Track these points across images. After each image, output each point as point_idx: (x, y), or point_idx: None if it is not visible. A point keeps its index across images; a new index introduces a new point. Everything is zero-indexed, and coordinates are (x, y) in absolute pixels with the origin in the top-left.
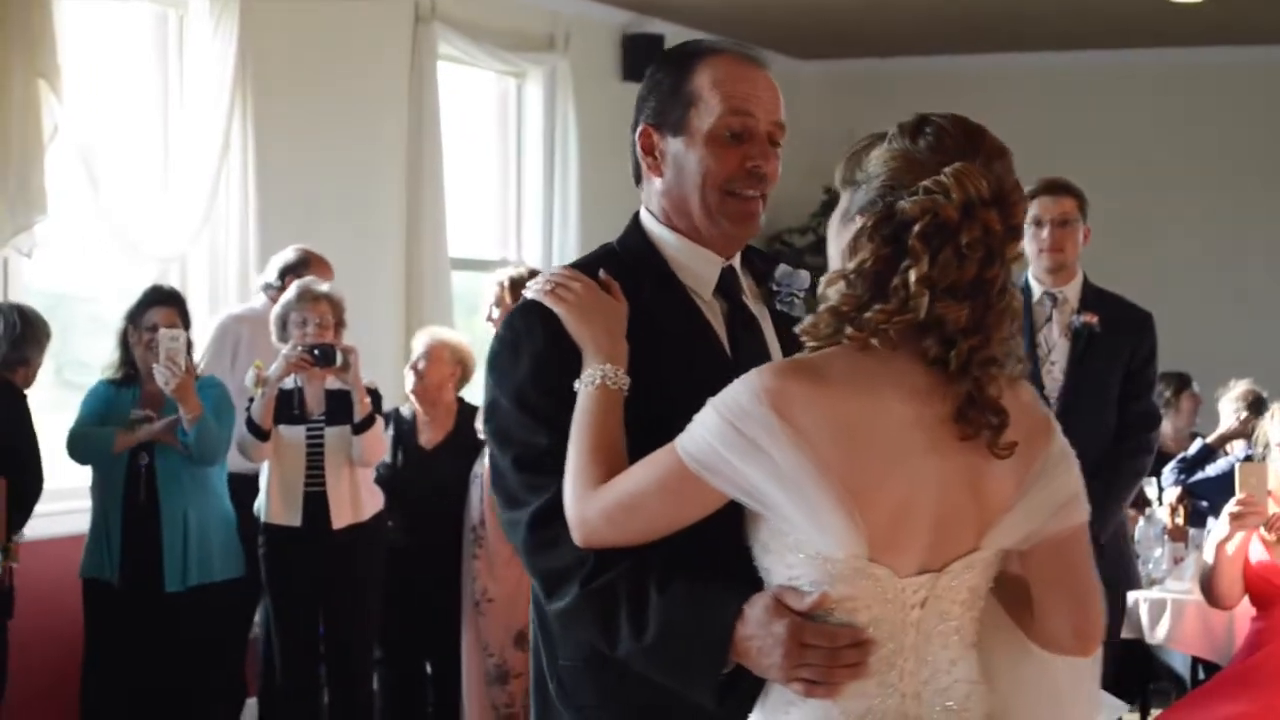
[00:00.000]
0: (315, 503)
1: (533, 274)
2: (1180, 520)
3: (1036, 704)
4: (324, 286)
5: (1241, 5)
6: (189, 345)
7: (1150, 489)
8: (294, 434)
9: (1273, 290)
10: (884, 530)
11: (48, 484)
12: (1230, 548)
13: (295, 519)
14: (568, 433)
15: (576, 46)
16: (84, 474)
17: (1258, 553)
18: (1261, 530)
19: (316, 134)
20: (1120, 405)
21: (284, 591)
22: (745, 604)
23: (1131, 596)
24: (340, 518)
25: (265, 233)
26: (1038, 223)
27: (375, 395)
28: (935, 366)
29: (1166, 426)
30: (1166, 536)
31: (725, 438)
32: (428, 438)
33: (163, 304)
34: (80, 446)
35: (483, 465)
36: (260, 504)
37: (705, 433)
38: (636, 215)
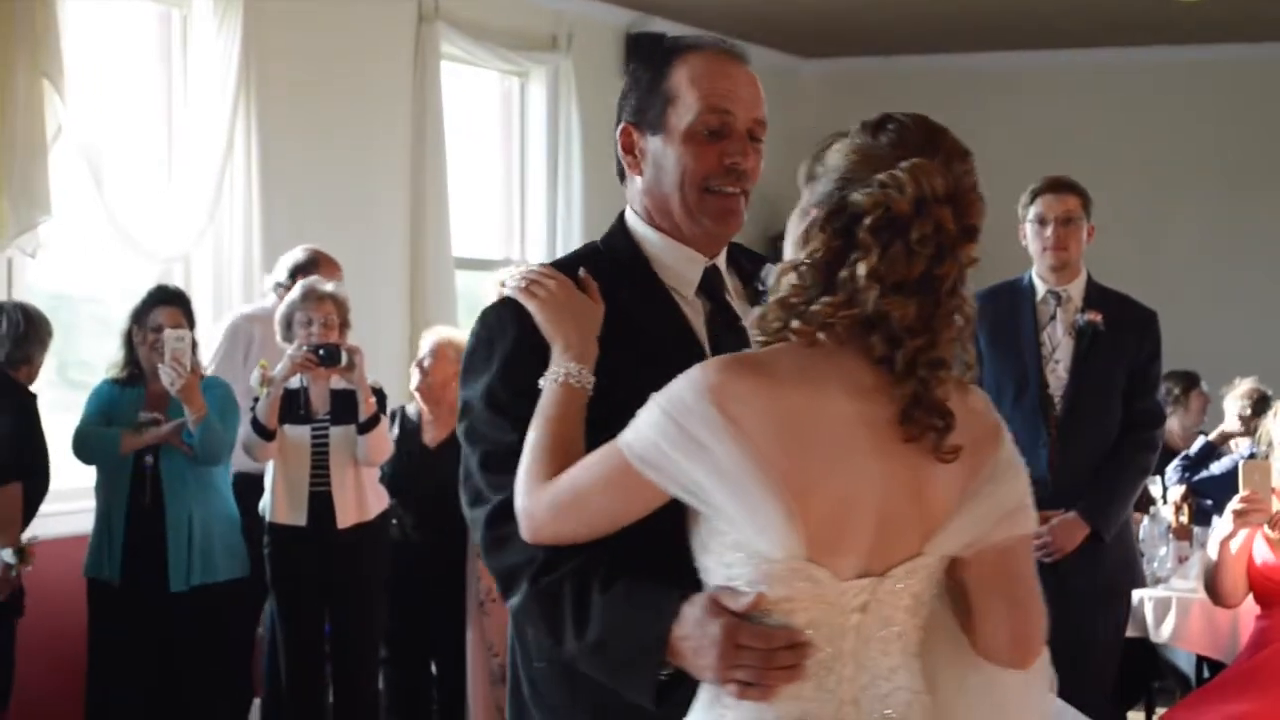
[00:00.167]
0: (320, 502)
1: None
2: (1185, 519)
3: (980, 717)
4: (328, 286)
5: (1246, 2)
6: (194, 345)
7: (1155, 488)
8: (299, 434)
9: (1278, 288)
10: (824, 531)
11: (53, 484)
12: (1234, 546)
13: (300, 519)
14: None
15: (580, 46)
16: (89, 474)
17: (1261, 551)
18: (1265, 528)
19: (320, 133)
20: (1124, 403)
21: (289, 591)
22: (684, 604)
23: (1136, 595)
24: (345, 517)
25: (269, 232)
26: (1041, 221)
27: (380, 395)
28: (882, 366)
29: (1175, 424)
30: (1171, 535)
31: (667, 433)
32: (432, 436)
33: (167, 304)
34: (86, 447)
35: None
36: (265, 504)
37: (648, 428)
38: (622, 214)
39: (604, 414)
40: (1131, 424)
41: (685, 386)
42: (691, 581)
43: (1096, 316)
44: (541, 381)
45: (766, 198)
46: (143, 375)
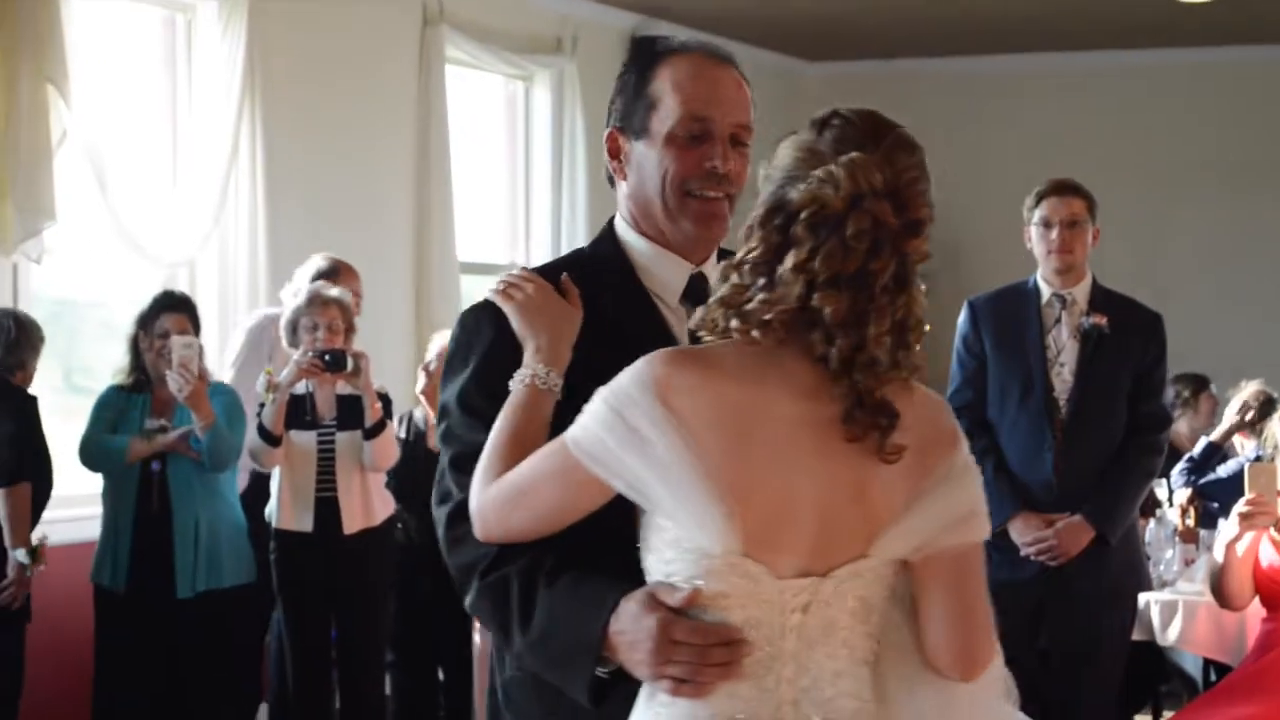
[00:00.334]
0: (327, 508)
1: None
2: (1191, 522)
3: None
4: (334, 291)
5: (1251, 5)
6: (201, 351)
7: (1160, 490)
8: (305, 439)
9: None
10: (762, 527)
11: (60, 490)
12: (1240, 548)
13: (307, 524)
14: None
15: (584, 49)
16: (95, 480)
17: (1268, 554)
18: (1271, 531)
19: (325, 137)
20: (1130, 406)
21: (296, 596)
22: (623, 599)
23: (1143, 598)
24: (352, 523)
25: (274, 237)
26: (1046, 224)
27: (386, 400)
28: (822, 365)
29: (1184, 427)
30: (1177, 538)
31: (610, 426)
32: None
33: (174, 310)
34: (93, 455)
35: None
36: (271, 509)
37: (592, 421)
38: (611, 220)
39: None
40: (1137, 427)
41: (629, 379)
42: (636, 578)
43: (1102, 319)
44: (511, 383)
45: None
46: (149, 381)
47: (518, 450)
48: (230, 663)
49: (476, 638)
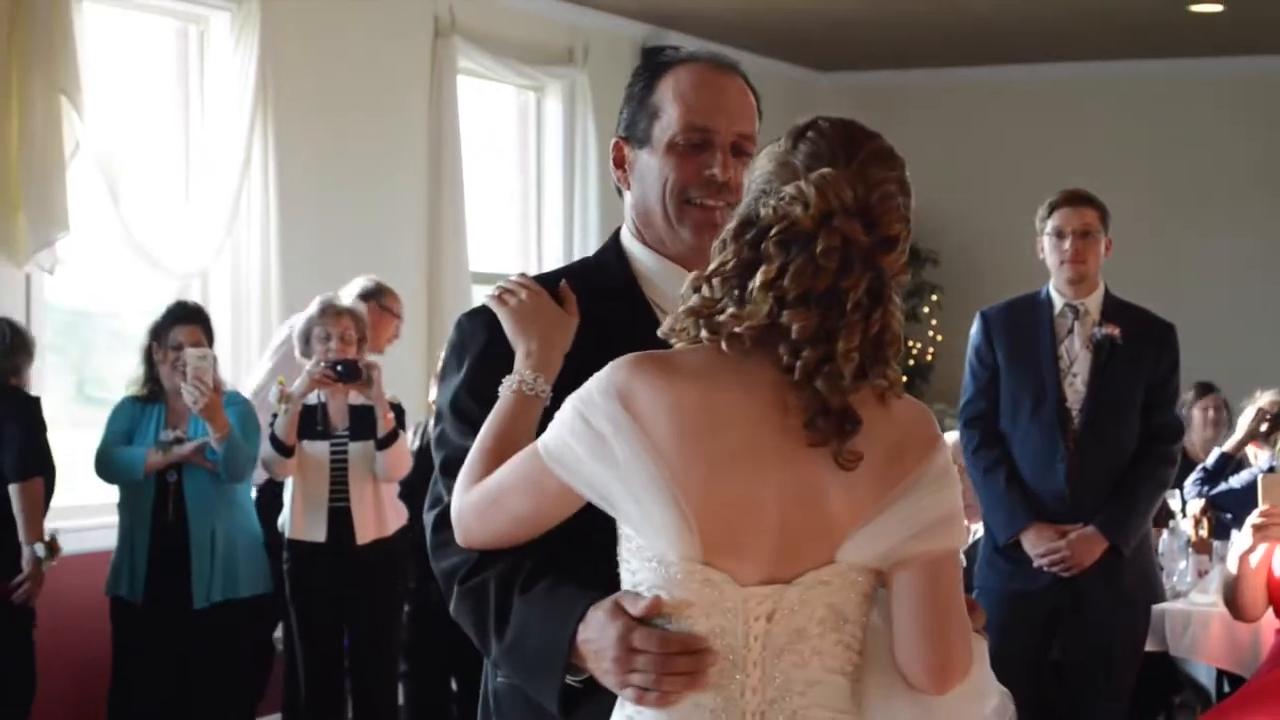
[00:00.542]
0: (340, 518)
1: None
2: (1204, 533)
3: None
4: (347, 302)
5: (1261, 15)
6: (215, 363)
7: (1173, 501)
8: (318, 450)
9: None
10: (722, 533)
11: (74, 500)
12: (1254, 560)
13: (320, 534)
14: None
15: (596, 60)
16: (108, 490)
17: None
18: None
19: (337, 148)
20: (1143, 417)
21: (308, 606)
22: (591, 607)
23: (1156, 609)
24: (364, 533)
25: (287, 248)
26: (1059, 234)
27: (398, 410)
28: (787, 373)
29: (1194, 437)
30: (1190, 549)
31: (575, 430)
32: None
33: (187, 321)
34: (109, 466)
35: None
36: (285, 520)
37: (561, 427)
38: (618, 230)
39: None
40: (1150, 437)
41: (594, 383)
42: (612, 586)
43: (1114, 330)
44: (500, 388)
45: None
46: (163, 392)
47: (501, 456)
48: (240, 671)
49: None
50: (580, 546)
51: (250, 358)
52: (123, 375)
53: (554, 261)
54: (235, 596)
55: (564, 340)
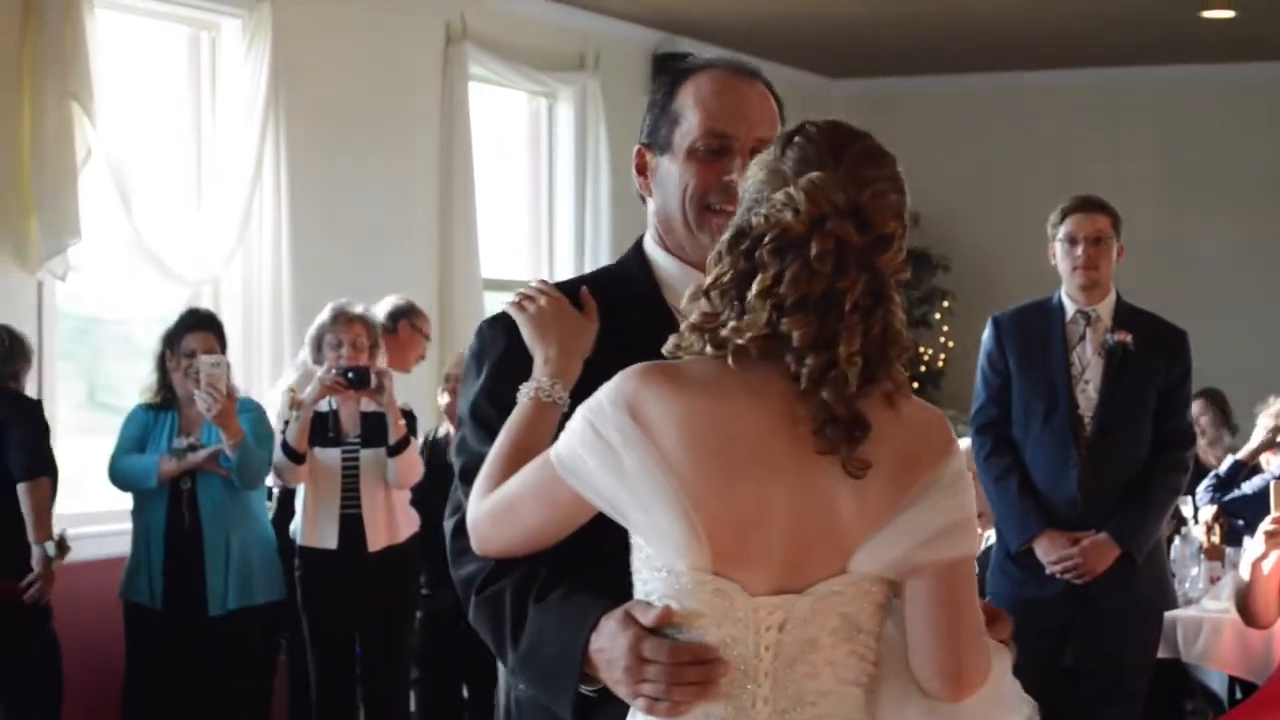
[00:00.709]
0: (351, 525)
1: None
2: (1216, 539)
3: None
4: (358, 309)
5: (1273, 21)
6: (229, 370)
7: (1185, 508)
8: (329, 457)
9: None
10: (731, 542)
11: (85, 506)
12: (1266, 566)
13: (331, 541)
14: None
15: (607, 66)
16: (124, 497)
17: None
18: None
19: (349, 155)
20: (1155, 423)
21: (320, 613)
22: (604, 616)
23: (1168, 616)
24: (376, 540)
25: (298, 254)
26: (1071, 240)
27: (410, 417)
28: (795, 381)
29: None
30: (1203, 555)
31: (586, 439)
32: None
33: (200, 328)
34: (123, 474)
35: None
36: (296, 527)
37: (572, 436)
38: (641, 237)
39: None
40: (1161, 444)
41: (604, 392)
42: (625, 595)
43: (1126, 336)
44: (518, 394)
45: None
46: (176, 399)
47: (518, 463)
48: (256, 678)
49: None
50: (596, 553)
51: (262, 364)
52: (134, 382)
53: (565, 267)
54: (251, 603)
55: (583, 347)
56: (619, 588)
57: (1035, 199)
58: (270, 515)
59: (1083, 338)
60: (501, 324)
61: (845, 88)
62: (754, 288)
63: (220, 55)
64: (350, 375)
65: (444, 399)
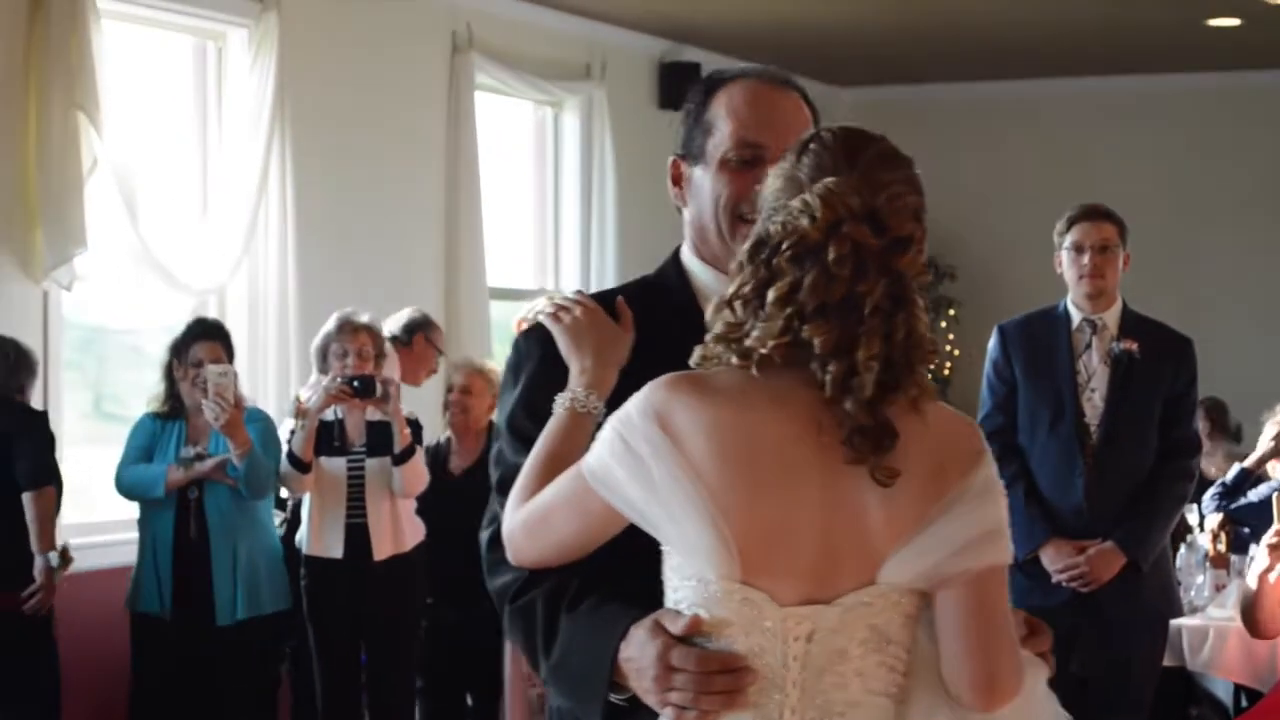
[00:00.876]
0: (357, 534)
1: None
2: (1222, 547)
3: None
4: (364, 318)
5: (1278, 29)
6: (236, 379)
7: (1191, 516)
8: (335, 466)
9: None
10: (760, 552)
11: (91, 515)
12: (1272, 578)
13: (337, 550)
14: None
15: (613, 75)
16: (129, 506)
17: None
18: None
19: (355, 164)
20: (1161, 432)
21: (325, 623)
22: (633, 625)
23: (1174, 624)
24: (382, 549)
25: (304, 264)
26: (1078, 249)
27: (415, 426)
28: (820, 390)
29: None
30: (1208, 563)
31: (615, 451)
32: (457, 464)
33: (207, 338)
34: (130, 483)
35: None
36: (302, 536)
37: (602, 447)
38: (678, 247)
39: None
40: (1168, 452)
41: (633, 403)
42: (657, 604)
43: (1132, 345)
44: (554, 405)
45: None
46: (183, 408)
47: (553, 473)
48: (261, 687)
49: (508, 663)
50: (627, 562)
51: (267, 374)
52: (140, 391)
53: (571, 277)
54: (259, 613)
55: (618, 357)
56: (650, 596)
57: (1041, 207)
58: (284, 525)
59: (1089, 346)
60: (536, 335)
61: (852, 96)
62: (772, 294)
63: (226, 65)
64: (356, 384)
65: (451, 411)
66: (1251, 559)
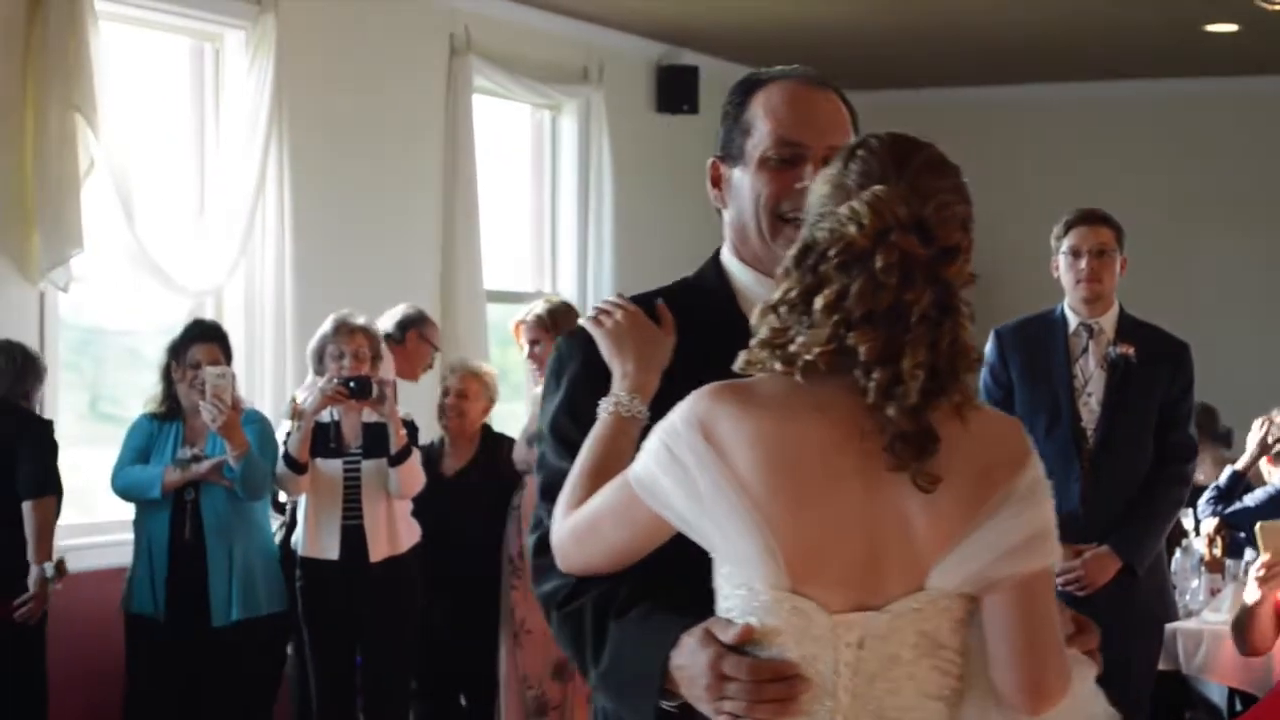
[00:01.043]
0: (353, 535)
1: (563, 305)
2: (1217, 551)
3: None
4: (360, 320)
5: (1277, 34)
6: (234, 381)
7: (1186, 520)
8: (331, 467)
9: None
10: (808, 561)
11: (87, 517)
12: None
13: (333, 552)
14: None
15: (611, 78)
16: (125, 507)
17: None
18: None
19: (352, 166)
20: (1157, 436)
21: (321, 624)
22: (684, 633)
23: (1169, 628)
24: (378, 550)
25: (301, 266)
26: (1075, 253)
27: (411, 427)
28: (864, 397)
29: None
30: (1203, 568)
31: (661, 460)
32: (450, 465)
33: (205, 340)
34: (126, 484)
35: (520, 497)
36: (298, 537)
37: (648, 457)
38: (718, 249)
39: None
40: (1164, 457)
41: (677, 413)
42: (707, 611)
43: (1129, 349)
44: (598, 410)
45: None
46: (180, 410)
47: (599, 479)
48: (266, 690)
49: (502, 664)
50: (676, 570)
51: (264, 376)
52: (137, 392)
53: (568, 280)
54: (255, 614)
55: (661, 360)
56: (698, 604)
57: (1038, 211)
58: (282, 529)
59: (1085, 350)
60: (578, 339)
61: (853, 101)
62: (819, 302)
63: (223, 66)
64: (352, 385)
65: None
66: (1247, 564)
